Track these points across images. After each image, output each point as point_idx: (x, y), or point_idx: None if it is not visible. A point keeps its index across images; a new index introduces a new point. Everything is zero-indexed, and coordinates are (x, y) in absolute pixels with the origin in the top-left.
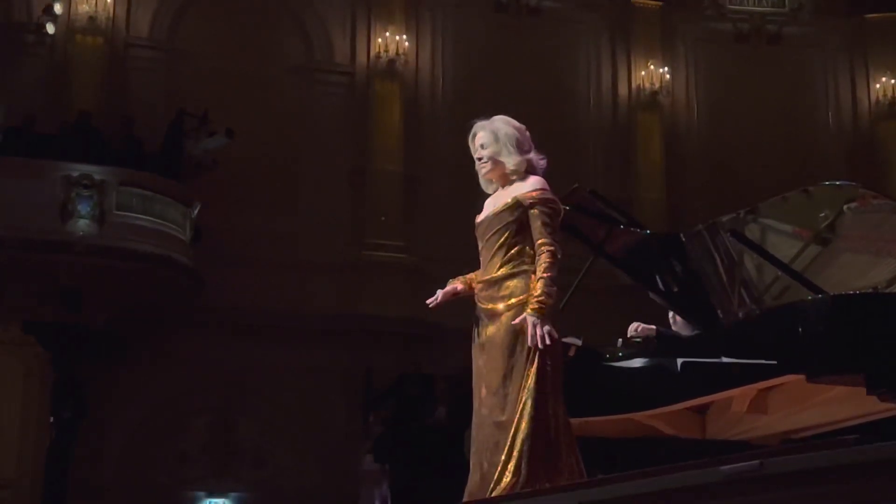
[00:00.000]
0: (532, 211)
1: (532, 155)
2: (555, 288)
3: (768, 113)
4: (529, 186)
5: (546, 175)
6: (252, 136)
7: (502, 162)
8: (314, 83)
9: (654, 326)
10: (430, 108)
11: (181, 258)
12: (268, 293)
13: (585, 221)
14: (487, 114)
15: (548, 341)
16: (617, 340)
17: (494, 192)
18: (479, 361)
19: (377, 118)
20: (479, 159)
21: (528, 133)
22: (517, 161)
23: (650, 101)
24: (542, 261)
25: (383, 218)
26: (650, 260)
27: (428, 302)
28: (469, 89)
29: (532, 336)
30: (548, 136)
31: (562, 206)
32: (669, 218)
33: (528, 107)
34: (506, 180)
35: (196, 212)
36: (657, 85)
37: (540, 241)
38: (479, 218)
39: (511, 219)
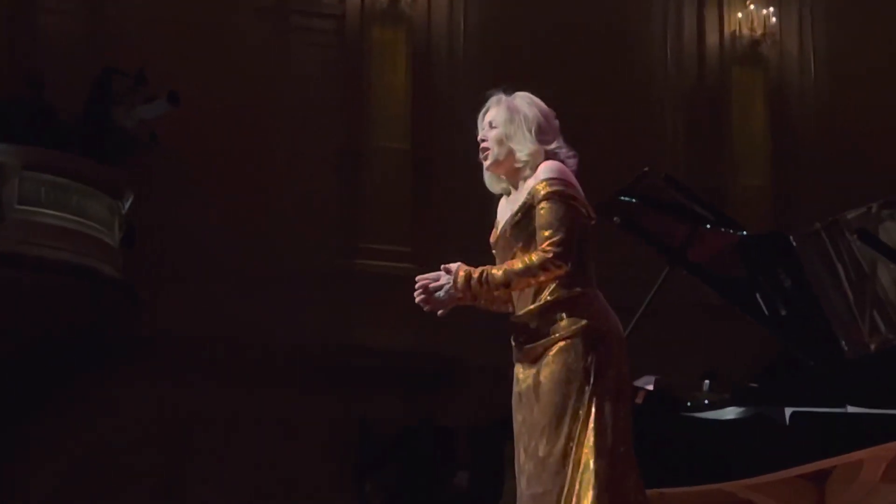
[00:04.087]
0: (537, 208)
1: (557, 146)
2: (501, 285)
3: None
4: (538, 177)
5: (583, 172)
6: (205, 102)
7: (512, 149)
8: (290, 31)
9: None
10: (448, 64)
11: (108, 269)
12: (228, 317)
13: (659, 219)
14: (524, 73)
15: (426, 307)
16: (703, 381)
17: (505, 193)
18: (517, 417)
19: (376, 78)
20: (482, 142)
21: (556, 122)
22: (532, 150)
23: (750, 53)
24: (527, 258)
25: None
26: (748, 271)
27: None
28: (499, 40)
29: (425, 279)
30: (609, 104)
31: (583, 200)
32: (775, 213)
33: (583, 63)
34: (516, 175)
35: (128, 206)
36: (759, 32)
37: (540, 248)
38: (493, 235)
39: (530, 231)
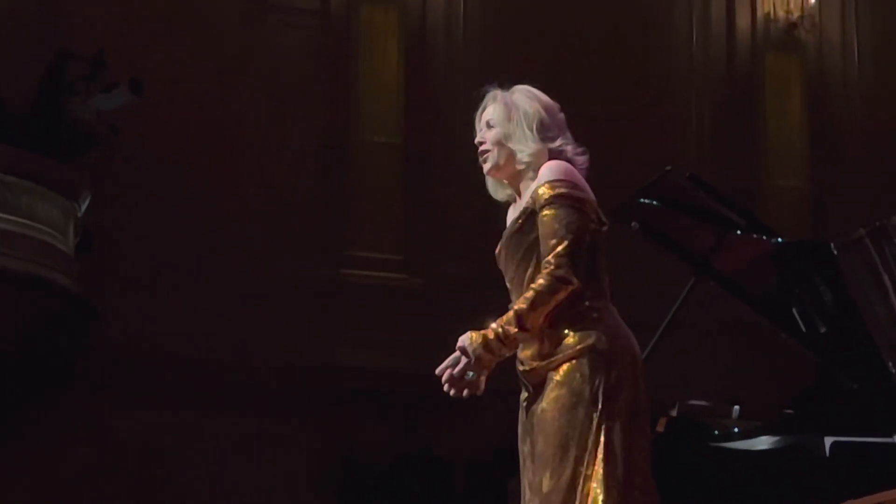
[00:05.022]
0: (540, 215)
1: (562, 144)
2: (519, 332)
3: None
4: (541, 179)
5: (596, 171)
6: (172, 91)
7: (513, 151)
8: (267, 10)
9: None
10: (445, 49)
11: (61, 279)
12: (197, 333)
13: (682, 223)
14: (531, 60)
15: (465, 394)
16: (732, 407)
17: (511, 200)
18: (523, 447)
19: (364, 65)
20: (480, 144)
21: (562, 116)
22: (535, 150)
23: (785, 38)
24: (532, 286)
25: None
26: (783, 282)
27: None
28: (502, 22)
29: (445, 369)
30: (626, 94)
31: (592, 204)
32: (813, 218)
33: (597, 49)
34: (518, 179)
35: (85, 207)
36: (796, 14)
37: (545, 261)
38: (499, 247)
39: (532, 238)
